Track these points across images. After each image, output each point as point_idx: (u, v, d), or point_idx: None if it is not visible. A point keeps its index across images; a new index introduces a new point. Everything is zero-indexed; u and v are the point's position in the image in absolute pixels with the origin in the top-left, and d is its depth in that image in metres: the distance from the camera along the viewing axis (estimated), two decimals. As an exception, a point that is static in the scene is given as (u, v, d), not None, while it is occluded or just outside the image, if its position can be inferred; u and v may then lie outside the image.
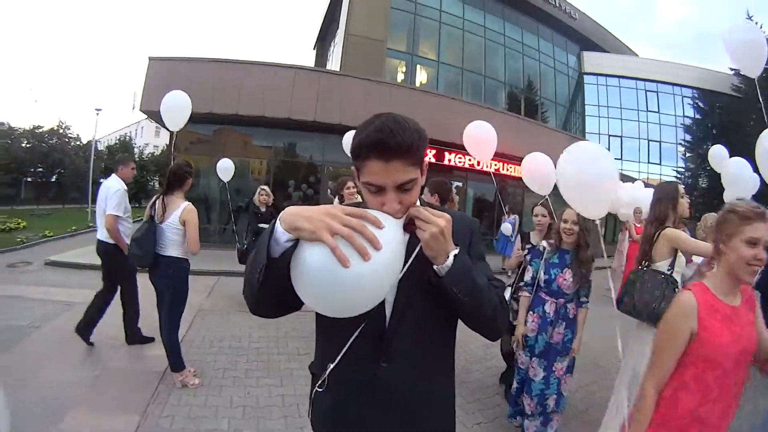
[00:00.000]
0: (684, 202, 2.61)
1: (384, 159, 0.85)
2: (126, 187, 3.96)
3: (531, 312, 2.78)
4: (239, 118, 10.47)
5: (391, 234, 0.82)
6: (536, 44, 18.50)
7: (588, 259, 2.65)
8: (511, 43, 17.54)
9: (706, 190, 18.92)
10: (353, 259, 0.74)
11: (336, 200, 4.07)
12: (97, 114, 18.98)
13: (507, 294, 3.02)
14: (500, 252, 3.69)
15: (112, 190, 3.81)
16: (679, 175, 22.93)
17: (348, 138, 5.29)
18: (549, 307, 2.69)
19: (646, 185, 7.83)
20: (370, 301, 0.83)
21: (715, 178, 12.27)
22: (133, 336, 3.97)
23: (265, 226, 5.08)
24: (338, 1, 16.39)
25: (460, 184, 13.09)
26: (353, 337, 0.95)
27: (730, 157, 4.86)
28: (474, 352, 4.36)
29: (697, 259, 2.51)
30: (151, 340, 3.93)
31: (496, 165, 12.22)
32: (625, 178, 9.04)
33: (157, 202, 3.23)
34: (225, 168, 7.21)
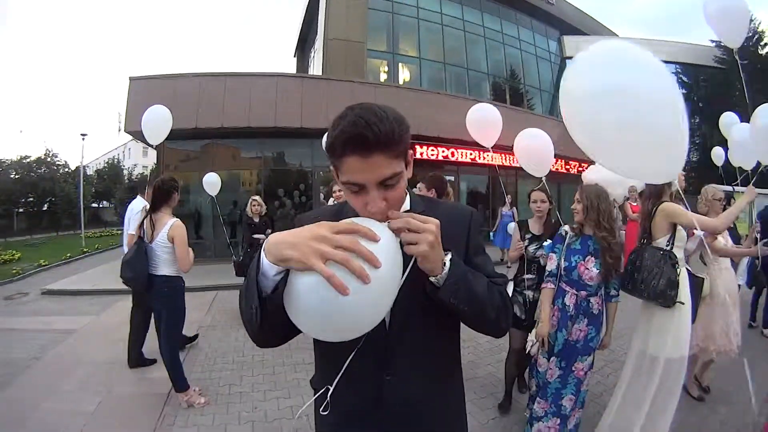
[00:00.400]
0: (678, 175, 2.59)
1: (362, 154, 0.77)
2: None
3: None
4: (225, 131, 10.40)
5: (387, 244, 0.74)
6: (516, 33, 18.47)
7: (618, 251, 2.36)
8: (491, 33, 17.50)
9: (698, 164, 18.98)
10: (352, 284, 0.66)
11: (331, 201, 4.08)
12: (83, 139, 18.86)
13: (510, 288, 2.95)
14: (499, 246, 3.65)
15: (135, 211, 3.99)
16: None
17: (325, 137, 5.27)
18: (569, 300, 2.40)
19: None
20: (376, 318, 0.76)
21: (706, 152, 12.36)
22: (136, 359, 3.91)
23: (260, 236, 5.10)
24: (315, 7, 16.31)
25: (452, 178, 13.06)
26: (352, 355, 0.88)
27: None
28: (483, 345, 4.31)
29: (699, 233, 2.48)
30: (153, 362, 3.87)
31: (491, 155, 12.21)
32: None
33: (145, 221, 3.17)
34: (211, 182, 7.15)
